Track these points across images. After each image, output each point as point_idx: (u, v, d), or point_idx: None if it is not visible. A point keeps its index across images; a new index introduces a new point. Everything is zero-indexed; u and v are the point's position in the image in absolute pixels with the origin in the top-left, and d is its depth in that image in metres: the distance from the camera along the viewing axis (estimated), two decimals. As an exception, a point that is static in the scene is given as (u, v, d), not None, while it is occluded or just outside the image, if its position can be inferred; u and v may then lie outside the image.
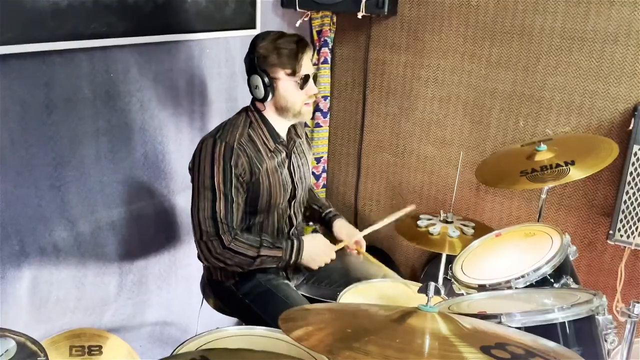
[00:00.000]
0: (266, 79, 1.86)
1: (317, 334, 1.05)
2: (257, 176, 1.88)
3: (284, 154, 1.98)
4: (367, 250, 2.13)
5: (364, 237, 2.13)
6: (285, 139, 1.99)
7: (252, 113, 1.95)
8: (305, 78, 1.89)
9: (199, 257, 1.99)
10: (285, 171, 1.98)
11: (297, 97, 1.90)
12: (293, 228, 2.06)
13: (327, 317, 1.19)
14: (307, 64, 1.89)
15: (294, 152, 2.03)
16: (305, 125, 3.03)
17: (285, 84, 1.88)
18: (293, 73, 1.86)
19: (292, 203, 2.03)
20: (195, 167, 1.87)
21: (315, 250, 1.94)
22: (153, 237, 2.44)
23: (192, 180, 1.89)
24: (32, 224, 1.97)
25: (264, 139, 1.92)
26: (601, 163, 1.96)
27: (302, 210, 2.14)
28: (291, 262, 1.91)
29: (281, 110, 1.92)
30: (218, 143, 1.84)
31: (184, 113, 2.43)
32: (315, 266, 1.96)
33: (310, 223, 2.29)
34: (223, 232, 1.82)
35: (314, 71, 1.95)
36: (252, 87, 1.90)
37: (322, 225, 2.20)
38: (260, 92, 1.88)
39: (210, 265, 1.95)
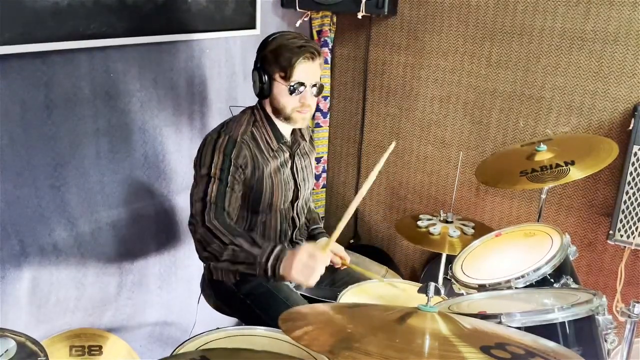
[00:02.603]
0: (264, 77, 1.86)
1: (317, 335, 1.05)
2: (259, 174, 1.88)
3: (287, 155, 1.97)
4: (366, 250, 2.13)
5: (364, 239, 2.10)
6: (289, 140, 1.98)
7: (257, 112, 1.94)
8: (299, 85, 1.83)
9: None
10: (288, 172, 1.97)
11: (287, 101, 1.86)
12: (296, 230, 2.06)
13: (327, 317, 1.19)
14: (303, 71, 1.82)
15: (297, 154, 2.02)
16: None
17: (279, 86, 1.86)
18: (286, 77, 1.83)
19: (295, 204, 2.02)
20: (196, 160, 1.87)
21: (302, 265, 1.64)
22: (153, 237, 2.44)
23: (194, 168, 1.87)
24: (32, 224, 1.97)
25: (267, 139, 1.92)
26: (601, 163, 1.96)
27: (306, 212, 2.14)
28: (267, 268, 1.65)
29: (275, 111, 1.91)
30: (222, 136, 1.84)
31: (184, 113, 2.43)
32: (308, 280, 1.64)
33: None
34: (207, 212, 1.74)
35: (317, 81, 1.88)
36: (252, 83, 1.91)
37: (308, 239, 2.13)
38: (256, 88, 1.89)
39: (199, 255, 1.81)
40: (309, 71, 1.85)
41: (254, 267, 1.68)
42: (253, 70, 1.89)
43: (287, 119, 1.90)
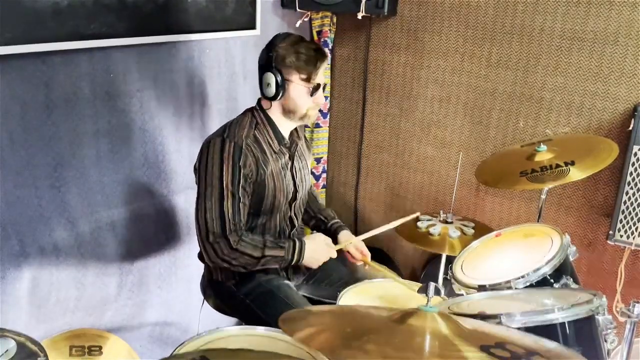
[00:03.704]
0: (279, 79, 1.85)
1: (318, 335, 1.05)
2: (262, 177, 1.88)
3: (287, 156, 1.98)
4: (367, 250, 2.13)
5: (365, 240, 2.13)
6: (288, 141, 1.99)
7: (257, 113, 1.94)
8: (317, 87, 1.89)
9: (200, 257, 1.99)
10: (288, 173, 1.98)
11: (305, 102, 1.90)
12: (294, 229, 2.06)
13: (328, 318, 1.19)
14: (321, 74, 1.90)
15: (295, 154, 2.03)
16: (305, 125, 3.03)
17: (297, 88, 1.87)
18: (308, 79, 1.86)
19: (293, 205, 2.03)
20: (202, 167, 1.85)
21: (317, 250, 1.95)
22: (153, 237, 2.44)
23: (199, 180, 1.87)
24: (32, 224, 1.97)
25: (269, 141, 1.92)
26: (601, 163, 1.96)
27: (302, 211, 2.14)
28: (293, 262, 1.91)
29: (287, 112, 1.92)
30: (227, 143, 1.83)
31: (184, 113, 2.43)
32: (315, 266, 1.96)
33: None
34: (230, 233, 1.81)
35: (325, 82, 1.95)
36: (263, 85, 1.88)
37: (327, 236, 2.16)
38: (272, 90, 1.87)
39: (214, 266, 1.94)
40: (323, 73, 1.92)
41: (279, 263, 1.92)
42: (266, 73, 1.87)
43: (302, 117, 1.94)
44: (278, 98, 1.88)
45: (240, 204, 1.83)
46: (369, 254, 2.08)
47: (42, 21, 1.81)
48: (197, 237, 1.88)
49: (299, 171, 2.03)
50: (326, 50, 2.91)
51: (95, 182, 2.14)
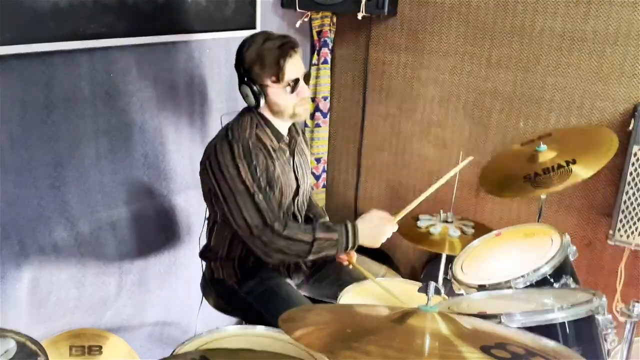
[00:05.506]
0: (255, 87, 1.86)
1: (318, 335, 1.05)
2: (271, 175, 1.89)
3: (287, 153, 1.99)
4: (366, 250, 2.12)
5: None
6: (287, 137, 2.00)
7: (254, 114, 1.95)
8: (295, 82, 1.86)
9: (201, 256, 1.99)
10: (290, 169, 1.98)
11: (287, 101, 1.88)
12: (298, 225, 2.06)
13: (328, 317, 1.19)
14: (292, 68, 1.85)
15: (295, 150, 2.03)
16: (305, 125, 3.03)
17: (274, 90, 1.86)
18: (277, 80, 1.85)
19: (296, 200, 2.03)
20: (218, 175, 1.82)
21: (373, 228, 1.89)
22: (153, 237, 2.44)
23: (220, 189, 1.83)
24: (32, 224, 1.97)
25: (269, 140, 1.93)
26: (603, 158, 1.95)
27: (306, 207, 2.14)
28: (349, 247, 1.85)
29: (275, 113, 1.92)
30: (234, 144, 1.83)
31: (184, 113, 2.43)
32: (378, 244, 1.91)
33: None
34: (272, 221, 1.79)
35: (305, 71, 1.91)
36: (243, 96, 1.90)
37: None
38: (251, 100, 1.88)
39: (272, 262, 1.90)
40: (297, 65, 1.87)
41: (336, 248, 1.85)
42: (241, 85, 1.88)
43: (292, 116, 1.92)
44: (262, 104, 1.89)
45: (269, 194, 1.83)
46: (354, 255, 2.05)
47: (42, 21, 1.81)
48: (245, 240, 1.85)
49: (300, 166, 2.04)
50: (325, 50, 2.91)
51: (95, 182, 2.14)
